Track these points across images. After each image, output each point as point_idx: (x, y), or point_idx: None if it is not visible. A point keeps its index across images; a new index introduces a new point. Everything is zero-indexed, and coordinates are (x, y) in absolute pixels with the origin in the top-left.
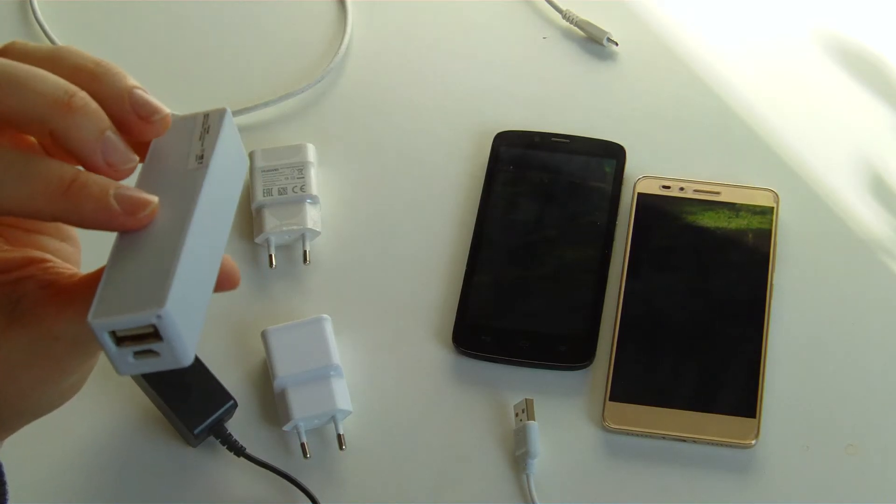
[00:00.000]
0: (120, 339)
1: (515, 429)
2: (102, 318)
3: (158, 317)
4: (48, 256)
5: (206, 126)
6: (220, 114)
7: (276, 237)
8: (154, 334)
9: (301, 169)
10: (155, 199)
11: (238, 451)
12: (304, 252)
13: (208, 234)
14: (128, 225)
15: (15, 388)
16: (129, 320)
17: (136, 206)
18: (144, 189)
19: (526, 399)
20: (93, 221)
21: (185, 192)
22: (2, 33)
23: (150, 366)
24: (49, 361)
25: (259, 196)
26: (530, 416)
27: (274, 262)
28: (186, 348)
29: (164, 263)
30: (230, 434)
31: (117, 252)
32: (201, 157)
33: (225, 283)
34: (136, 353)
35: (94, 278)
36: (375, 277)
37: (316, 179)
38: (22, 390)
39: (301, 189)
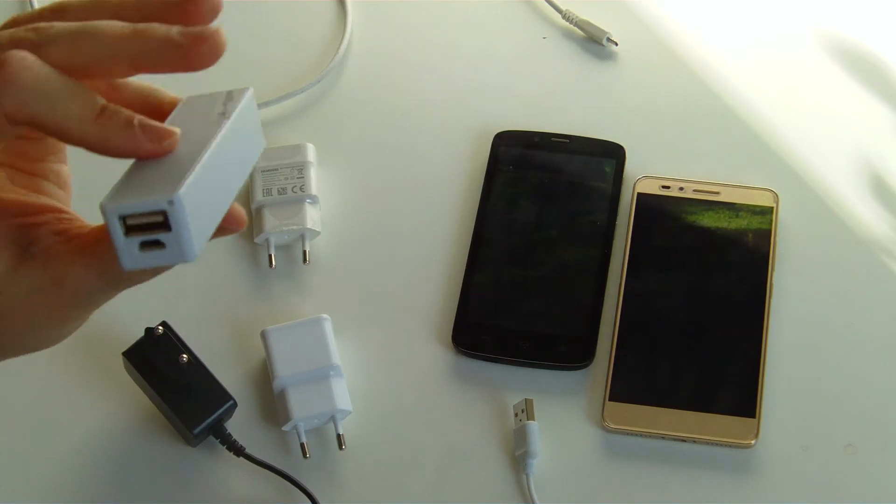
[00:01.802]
0: (129, 229)
1: (515, 429)
2: (115, 202)
3: (170, 202)
4: (62, 206)
5: (231, 96)
6: (244, 90)
7: (275, 237)
8: (163, 224)
9: (301, 169)
10: (177, 130)
11: (238, 450)
12: (304, 252)
13: (223, 170)
14: (150, 151)
15: (7, 326)
16: (142, 204)
17: (160, 134)
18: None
19: (526, 399)
20: (117, 147)
21: (206, 132)
22: None
23: (155, 259)
24: (47, 308)
25: (259, 196)
26: (530, 416)
27: (274, 262)
28: (192, 244)
29: (182, 168)
30: (230, 434)
31: (137, 163)
32: (223, 113)
33: (231, 222)
34: (143, 245)
35: (104, 230)
36: (375, 277)
37: (316, 179)
38: (14, 330)
39: (301, 189)
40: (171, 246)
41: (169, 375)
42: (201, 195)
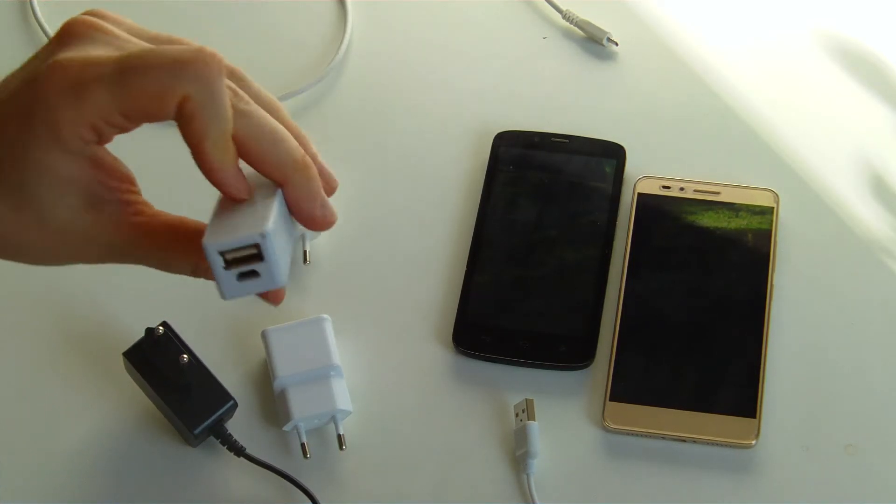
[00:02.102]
0: (227, 263)
1: (515, 429)
2: (215, 239)
3: (263, 236)
4: (136, 184)
5: None
6: None
7: None
8: (257, 255)
9: None
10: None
11: (238, 451)
12: (304, 252)
13: (286, 219)
14: (318, 222)
15: (34, 243)
16: (239, 240)
17: (332, 217)
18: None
19: (526, 399)
20: (304, 198)
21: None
22: (2, 33)
23: (251, 287)
24: (71, 250)
25: None
26: (530, 417)
27: None
28: (282, 270)
29: (262, 210)
30: (230, 434)
31: (219, 210)
32: None
33: (272, 297)
34: (240, 276)
35: (172, 221)
36: (376, 277)
37: None
38: (34, 249)
39: None
40: (265, 274)
41: (169, 376)
42: (279, 231)
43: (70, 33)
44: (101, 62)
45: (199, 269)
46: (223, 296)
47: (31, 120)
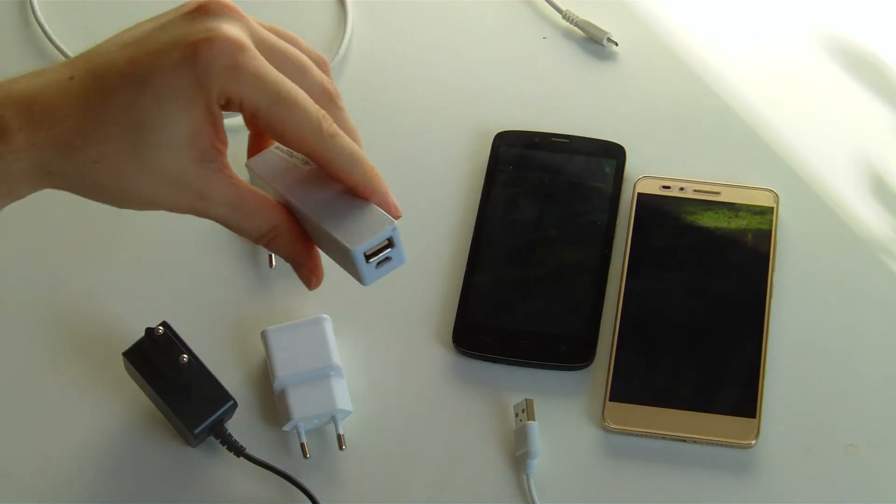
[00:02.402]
0: (367, 256)
1: (515, 429)
2: (360, 245)
3: (394, 228)
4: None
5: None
6: None
7: None
8: (389, 244)
9: None
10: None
11: (238, 451)
12: None
13: None
14: (395, 216)
15: (140, 189)
16: (379, 238)
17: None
18: (280, 177)
19: (526, 399)
20: (338, 170)
21: (317, 175)
22: (2, 33)
23: (385, 270)
24: (171, 197)
25: None
26: (530, 417)
27: (274, 262)
28: (404, 251)
29: (358, 202)
30: (230, 434)
31: (315, 213)
32: (306, 161)
33: (311, 280)
34: (378, 263)
35: (252, 188)
36: None
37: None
38: (137, 195)
39: None
40: (395, 257)
41: (169, 375)
42: None
43: (209, 9)
44: (265, 66)
45: (266, 237)
46: (363, 283)
47: (183, 77)
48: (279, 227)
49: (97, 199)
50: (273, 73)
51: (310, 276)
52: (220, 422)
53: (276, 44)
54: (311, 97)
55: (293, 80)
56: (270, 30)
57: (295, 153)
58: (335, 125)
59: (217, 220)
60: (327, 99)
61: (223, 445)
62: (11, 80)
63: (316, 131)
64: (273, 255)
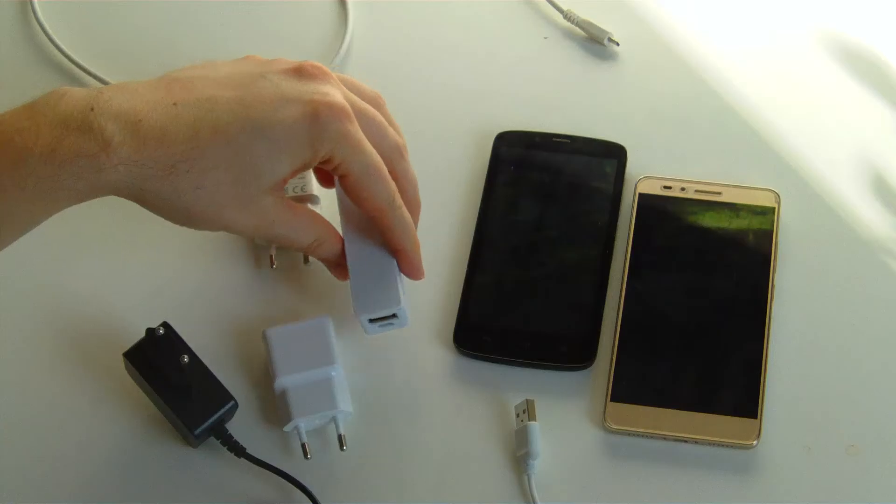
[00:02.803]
0: (371, 320)
1: (516, 429)
2: (366, 313)
3: (399, 308)
4: None
5: None
6: None
7: None
8: (393, 316)
9: None
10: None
11: (239, 451)
12: (305, 255)
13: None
14: (412, 269)
15: (221, 216)
16: (383, 313)
17: (422, 276)
18: (347, 220)
19: (527, 400)
20: (398, 240)
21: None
22: (2, 33)
23: (386, 329)
24: (242, 223)
25: None
26: (531, 417)
27: (275, 262)
28: (408, 317)
29: (392, 279)
30: (231, 435)
31: (352, 264)
32: None
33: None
34: (381, 325)
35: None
36: None
37: (314, 180)
38: (214, 221)
39: (301, 189)
40: (397, 323)
41: (170, 376)
42: (401, 283)
43: (312, 73)
44: (363, 138)
45: (312, 246)
46: (366, 333)
47: (300, 133)
48: (321, 237)
49: (174, 219)
50: (368, 146)
51: (343, 273)
52: (222, 422)
53: (362, 108)
54: (386, 151)
55: (374, 140)
56: (351, 87)
57: None
58: (400, 198)
59: (272, 240)
60: (398, 155)
61: (224, 446)
62: (100, 92)
63: (389, 203)
64: (273, 255)
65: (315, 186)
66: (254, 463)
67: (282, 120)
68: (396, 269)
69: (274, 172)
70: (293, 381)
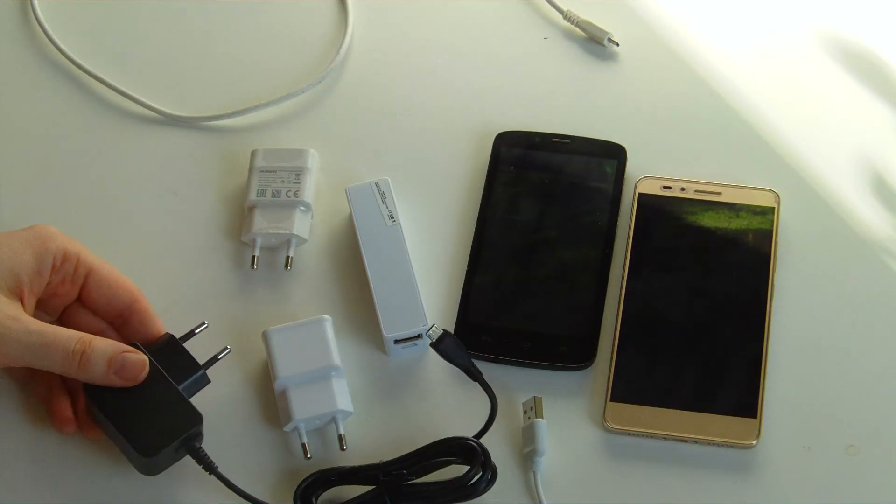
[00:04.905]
0: (396, 341)
1: (524, 426)
2: (393, 333)
3: (424, 329)
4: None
5: (381, 193)
6: (386, 182)
7: (262, 238)
8: (418, 336)
9: (298, 174)
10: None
11: (210, 468)
12: (288, 258)
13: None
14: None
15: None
16: (408, 334)
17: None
18: (365, 239)
19: (535, 397)
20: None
21: (396, 244)
22: (2, 33)
23: (409, 352)
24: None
25: (252, 195)
26: (539, 414)
27: (257, 264)
28: (428, 344)
29: (412, 293)
30: (205, 454)
31: (376, 285)
32: (391, 216)
33: None
34: (404, 346)
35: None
36: None
37: (313, 186)
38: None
39: (294, 194)
40: (420, 345)
41: (123, 409)
42: (422, 303)
43: None
44: None
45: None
46: (390, 358)
47: None
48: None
49: None
50: None
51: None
52: (190, 441)
53: None
54: None
55: None
56: None
57: (387, 198)
58: None
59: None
60: None
61: (199, 465)
62: None
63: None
64: (257, 256)
65: (309, 193)
66: (224, 484)
67: None
68: (418, 289)
69: None
70: (294, 381)
